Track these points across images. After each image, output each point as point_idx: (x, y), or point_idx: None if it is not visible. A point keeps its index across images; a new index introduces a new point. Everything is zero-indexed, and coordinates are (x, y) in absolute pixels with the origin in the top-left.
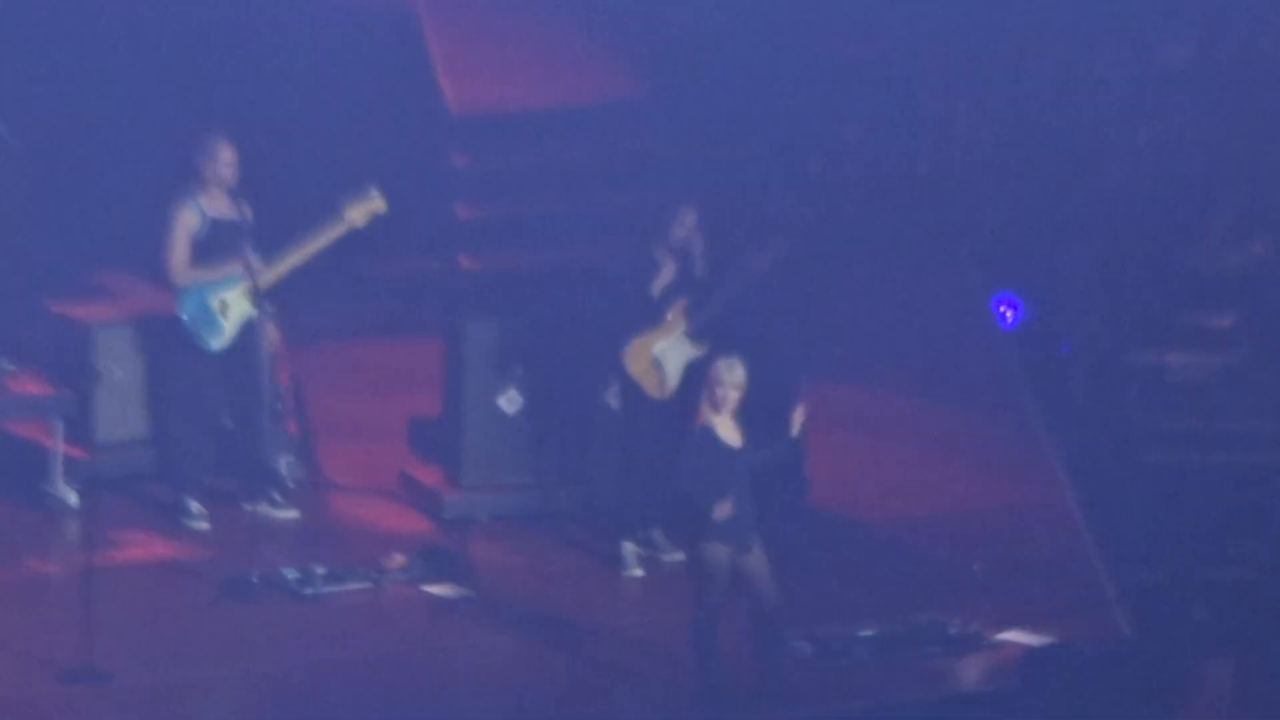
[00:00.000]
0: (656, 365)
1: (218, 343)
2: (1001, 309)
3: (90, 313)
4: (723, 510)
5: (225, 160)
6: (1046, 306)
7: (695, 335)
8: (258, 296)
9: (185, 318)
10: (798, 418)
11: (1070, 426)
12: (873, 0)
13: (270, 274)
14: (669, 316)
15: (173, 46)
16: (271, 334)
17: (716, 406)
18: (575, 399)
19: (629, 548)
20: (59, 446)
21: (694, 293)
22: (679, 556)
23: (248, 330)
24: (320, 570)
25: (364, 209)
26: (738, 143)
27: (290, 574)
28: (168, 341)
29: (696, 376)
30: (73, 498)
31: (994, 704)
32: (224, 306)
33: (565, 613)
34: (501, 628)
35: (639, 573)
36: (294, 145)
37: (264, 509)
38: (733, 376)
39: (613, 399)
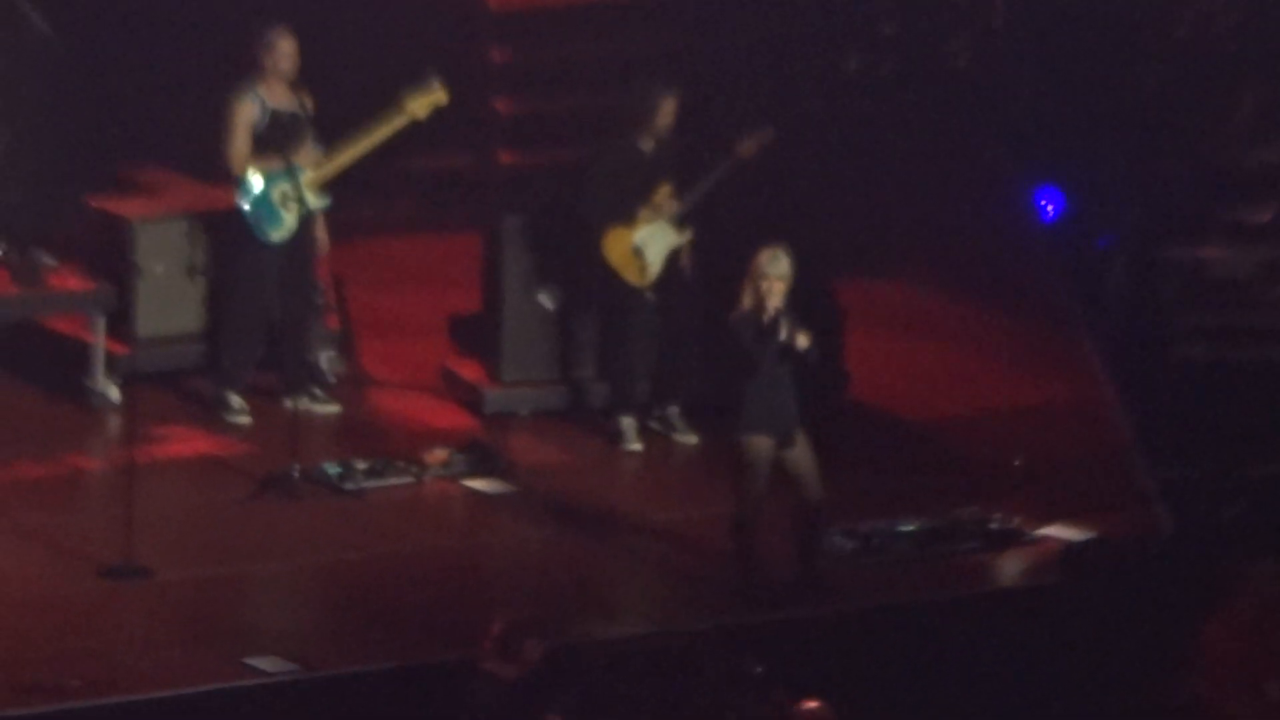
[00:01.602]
0: (637, 253)
1: (279, 235)
2: (1043, 203)
3: (130, 208)
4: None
5: (285, 51)
6: (1084, 201)
7: (678, 222)
8: (319, 189)
9: (247, 209)
10: (803, 337)
11: (1108, 322)
12: None
13: (331, 166)
14: (651, 203)
15: None
16: (321, 228)
17: (761, 298)
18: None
19: (627, 422)
20: (100, 341)
21: (676, 179)
22: (692, 439)
23: (305, 223)
24: (361, 465)
25: (426, 101)
26: (777, 39)
27: (331, 469)
28: (228, 234)
29: (679, 263)
30: (114, 393)
31: (1034, 599)
32: (285, 199)
33: (605, 507)
34: (542, 522)
35: (638, 447)
36: (333, 39)
37: (305, 404)
38: (776, 268)
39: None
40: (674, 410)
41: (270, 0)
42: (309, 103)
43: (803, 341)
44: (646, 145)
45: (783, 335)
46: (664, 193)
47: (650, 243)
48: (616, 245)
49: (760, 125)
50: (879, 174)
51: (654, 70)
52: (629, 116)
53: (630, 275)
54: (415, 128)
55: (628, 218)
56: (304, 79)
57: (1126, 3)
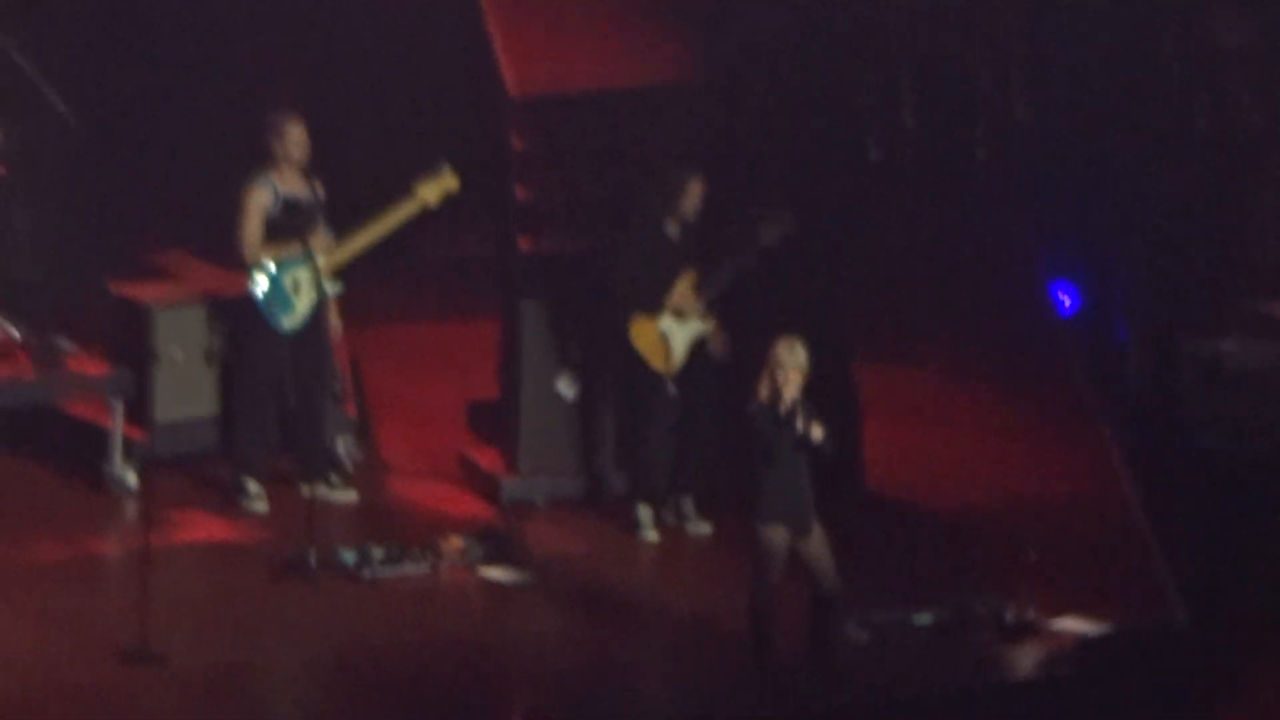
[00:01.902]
0: (663, 340)
1: (290, 322)
2: (1060, 297)
3: (150, 294)
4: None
5: (295, 139)
6: (1103, 293)
7: (703, 310)
8: (331, 275)
9: (259, 296)
10: (818, 429)
11: (1127, 413)
12: None
13: (343, 252)
14: (676, 291)
15: (234, 24)
16: (335, 314)
17: (778, 388)
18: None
19: (644, 511)
20: (118, 426)
21: (701, 267)
22: (705, 530)
23: (318, 310)
24: (378, 552)
25: (437, 187)
26: (798, 128)
27: (348, 556)
28: (239, 320)
29: (703, 351)
30: (131, 478)
31: (1048, 691)
32: (297, 285)
33: (622, 596)
34: (558, 611)
35: (654, 536)
36: (354, 126)
37: (322, 490)
38: (794, 358)
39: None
40: (687, 501)
41: (289, 87)
42: (320, 189)
43: (818, 434)
44: (672, 230)
45: (799, 426)
46: (688, 281)
47: (676, 330)
48: (643, 332)
49: (781, 213)
50: (898, 263)
51: (679, 154)
52: (655, 200)
53: (656, 362)
54: (435, 213)
55: (654, 305)
56: (327, 167)
57: (1147, 96)
